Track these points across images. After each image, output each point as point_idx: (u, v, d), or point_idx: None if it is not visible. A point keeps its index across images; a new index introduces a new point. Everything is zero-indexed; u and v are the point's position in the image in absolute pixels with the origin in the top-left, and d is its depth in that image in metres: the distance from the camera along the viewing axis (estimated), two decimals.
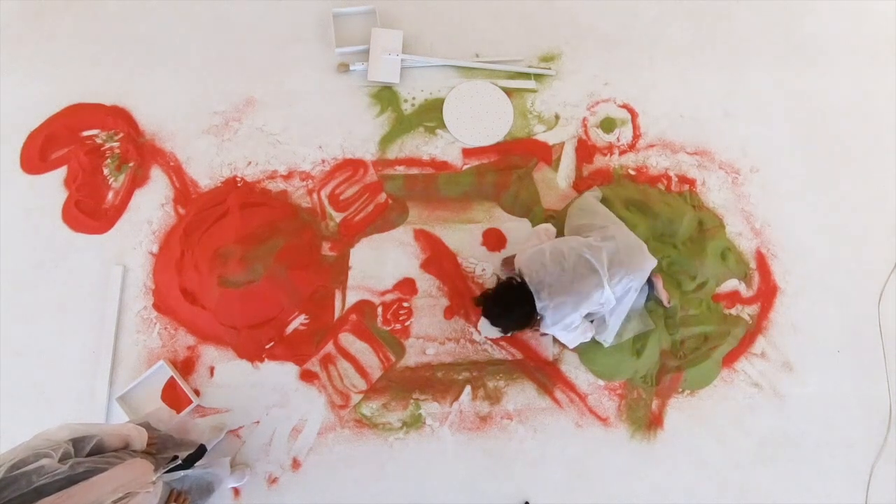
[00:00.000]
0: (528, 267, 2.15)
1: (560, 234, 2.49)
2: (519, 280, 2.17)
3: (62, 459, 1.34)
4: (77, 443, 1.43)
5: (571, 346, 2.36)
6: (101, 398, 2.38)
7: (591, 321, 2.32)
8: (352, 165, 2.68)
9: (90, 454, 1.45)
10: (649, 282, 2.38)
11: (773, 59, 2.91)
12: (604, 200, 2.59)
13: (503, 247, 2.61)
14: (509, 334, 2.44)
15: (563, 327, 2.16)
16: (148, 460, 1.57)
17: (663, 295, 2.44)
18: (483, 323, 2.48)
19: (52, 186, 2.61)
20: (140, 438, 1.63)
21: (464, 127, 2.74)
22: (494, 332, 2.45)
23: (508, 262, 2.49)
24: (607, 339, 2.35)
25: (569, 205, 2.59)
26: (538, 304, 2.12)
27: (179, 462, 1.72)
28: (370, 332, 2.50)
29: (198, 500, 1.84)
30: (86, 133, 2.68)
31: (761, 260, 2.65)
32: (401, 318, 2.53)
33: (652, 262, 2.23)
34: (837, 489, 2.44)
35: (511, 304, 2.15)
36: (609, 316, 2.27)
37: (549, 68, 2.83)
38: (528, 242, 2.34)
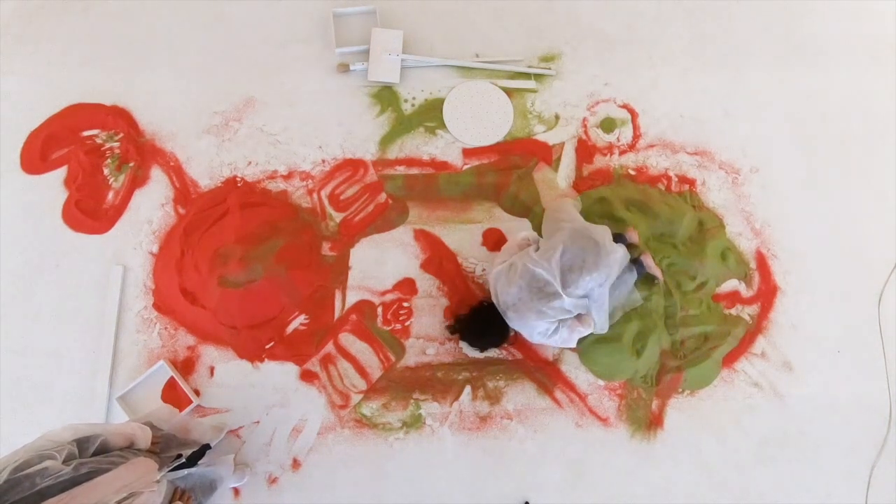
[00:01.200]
0: (494, 287, 2.21)
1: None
2: (489, 301, 2.24)
3: (66, 460, 1.34)
4: (81, 443, 1.43)
5: (571, 346, 2.31)
6: (101, 398, 2.38)
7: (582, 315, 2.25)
8: (352, 165, 2.68)
9: (95, 454, 1.45)
10: (637, 262, 2.36)
11: (773, 59, 2.91)
12: (603, 200, 2.59)
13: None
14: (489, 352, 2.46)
15: (540, 337, 2.17)
16: (152, 459, 1.57)
17: (656, 271, 2.42)
18: (464, 344, 2.47)
19: (52, 186, 2.61)
20: (144, 437, 1.63)
21: (464, 127, 2.74)
22: (476, 352, 2.47)
23: None
24: (598, 329, 2.30)
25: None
26: (508, 322, 2.19)
27: (183, 460, 1.72)
28: (370, 332, 2.50)
29: (201, 499, 1.84)
30: (86, 133, 2.68)
31: (761, 260, 2.65)
32: (401, 318, 2.53)
33: (616, 255, 2.17)
34: (837, 489, 2.44)
35: (485, 327, 2.23)
36: (593, 311, 2.21)
37: (550, 68, 2.83)
38: (499, 257, 2.30)
